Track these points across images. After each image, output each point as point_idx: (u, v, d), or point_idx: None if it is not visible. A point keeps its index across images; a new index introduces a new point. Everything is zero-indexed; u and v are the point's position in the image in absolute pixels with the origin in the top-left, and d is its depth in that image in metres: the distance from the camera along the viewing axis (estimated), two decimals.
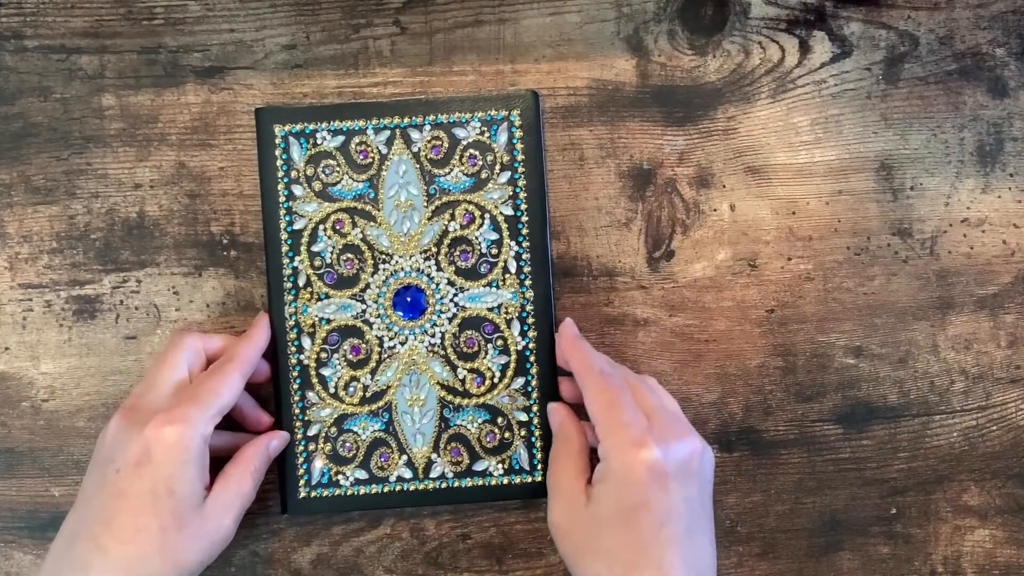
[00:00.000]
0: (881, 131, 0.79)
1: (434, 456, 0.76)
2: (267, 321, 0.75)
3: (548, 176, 0.78)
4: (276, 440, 0.74)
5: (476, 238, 0.76)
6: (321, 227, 0.76)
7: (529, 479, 0.76)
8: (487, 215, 0.76)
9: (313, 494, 0.75)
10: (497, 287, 0.76)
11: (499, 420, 0.76)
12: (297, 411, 0.75)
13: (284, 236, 0.76)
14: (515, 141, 0.76)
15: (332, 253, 0.76)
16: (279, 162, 0.76)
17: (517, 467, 0.76)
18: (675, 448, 0.66)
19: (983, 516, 0.79)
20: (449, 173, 0.76)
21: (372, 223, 0.76)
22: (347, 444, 0.76)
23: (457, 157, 0.76)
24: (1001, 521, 0.79)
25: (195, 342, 0.71)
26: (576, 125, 0.78)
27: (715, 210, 0.78)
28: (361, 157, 0.76)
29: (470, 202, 0.76)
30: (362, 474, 0.76)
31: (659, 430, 0.66)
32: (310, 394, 0.76)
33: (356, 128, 0.76)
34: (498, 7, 0.78)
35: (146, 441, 0.66)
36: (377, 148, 0.76)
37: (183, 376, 0.70)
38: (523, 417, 0.76)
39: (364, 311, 0.76)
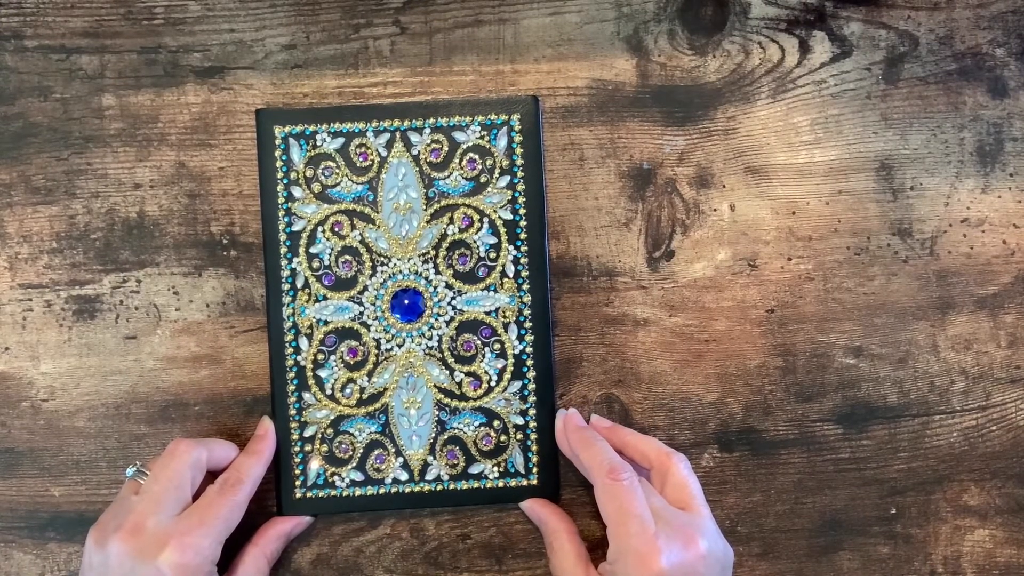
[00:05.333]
0: (881, 131, 0.76)
1: (430, 459, 0.72)
2: (272, 430, 0.72)
3: (547, 178, 0.74)
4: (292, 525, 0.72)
5: (474, 242, 0.72)
6: (320, 229, 0.72)
7: (524, 482, 0.72)
8: (486, 219, 0.72)
9: (309, 495, 0.72)
10: (495, 291, 0.72)
11: (495, 423, 0.72)
12: (293, 412, 0.72)
13: (283, 237, 0.72)
14: (515, 145, 0.73)
15: (330, 255, 0.72)
16: (279, 163, 0.72)
17: (512, 470, 0.72)
18: (679, 556, 0.62)
19: (983, 516, 0.75)
20: (448, 176, 0.72)
21: (371, 225, 0.72)
22: (343, 446, 0.72)
23: (456, 161, 0.73)
24: (1001, 521, 0.75)
25: (198, 454, 0.67)
26: (576, 125, 0.75)
27: (715, 210, 0.75)
28: (361, 159, 0.72)
29: (469, 206, 0.72)
30: (358, 476, 0.72)
31: (666, 537, 0.63)
32: (307, 395, 0.72)
33: (356, 130, 0.73)
34: (498, 7, 0.75)
35: (160, 573, 0.61)
36: (377, 150, 0.72)
37: (187, 494, 0.65)
38: (519, 421, 0.72)
39: (362, 313, 0.72)
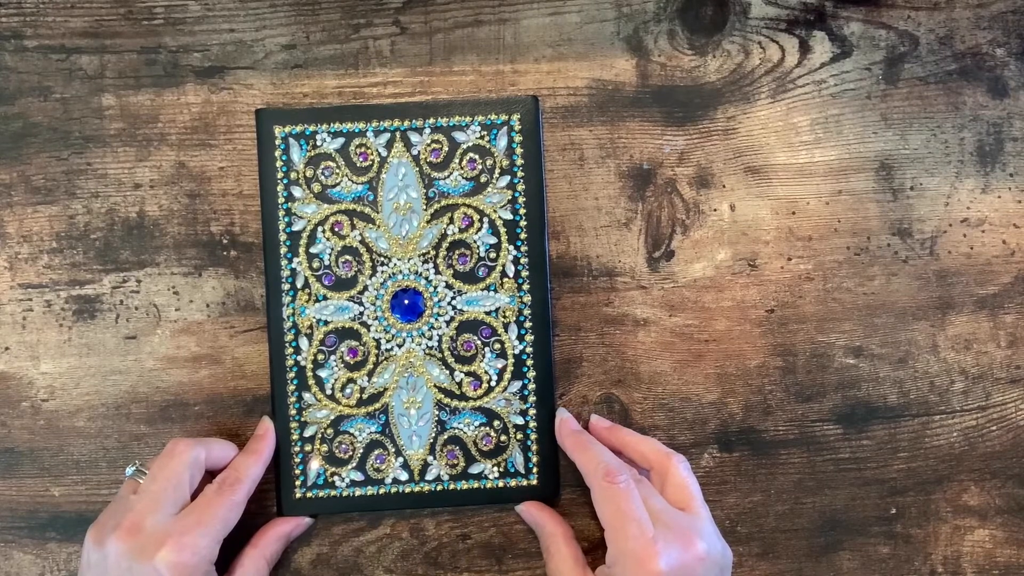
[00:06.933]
0: (881, 131, 0.75)
1: (430, 458, 0.72)
2: (272, 430, 0.71)
3: (547, 178, 0.74)
4: (291, 526, 0.71)
5: (474, 242, 0.72)
6: (320, 229, 0.72)
7: (524, 483, 0.72)
8: (486, 219, 0.72)
9: (309, 495, 0.71)
10: (495, 291, 0.72)
11: (495, 423, 0.72)
12: (293, 412, 0.71)
13: (283, 237, 0.72)
14: (515, 146, 0.72)
15: (331, 255, 0.72)
16: (279, 163, 0.72)
17: (512, 470, 0.72)
18: (678, 558, 0.62)
19: (983, 516, 0.75)
20: (448, 176, 0.72)
21: (371, 225, 0.72)
22: (343, 446, 0.72)
23: (457, 160, 0.72)
24: (1001, 521, 0.75)
25: (196, 453, 0.66)
26: (576, 125, 0.74)
27: (715, 210, 0.74)
28: (361, 159, 0.72)
29: (469, 206, 0.72)
30: (358, 476, 0.72)
31: (664, 540, 0.62)
32: (307, 395, 0.71)
33: (356, 130, 0.72)
34: (498, 7, 0.74)
35: (157, 572, 0.61)
36: (377, 150, 0.72)
37: (185, 493, 0.65)
38: (519, 420, 0.72)
39: (362, 313, 0.72)
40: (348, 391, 0.71)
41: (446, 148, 0.72)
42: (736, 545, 0.73)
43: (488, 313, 0.71)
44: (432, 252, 0.71)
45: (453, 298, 0.71)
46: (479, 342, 0.71)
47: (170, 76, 0.73)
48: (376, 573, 0.72)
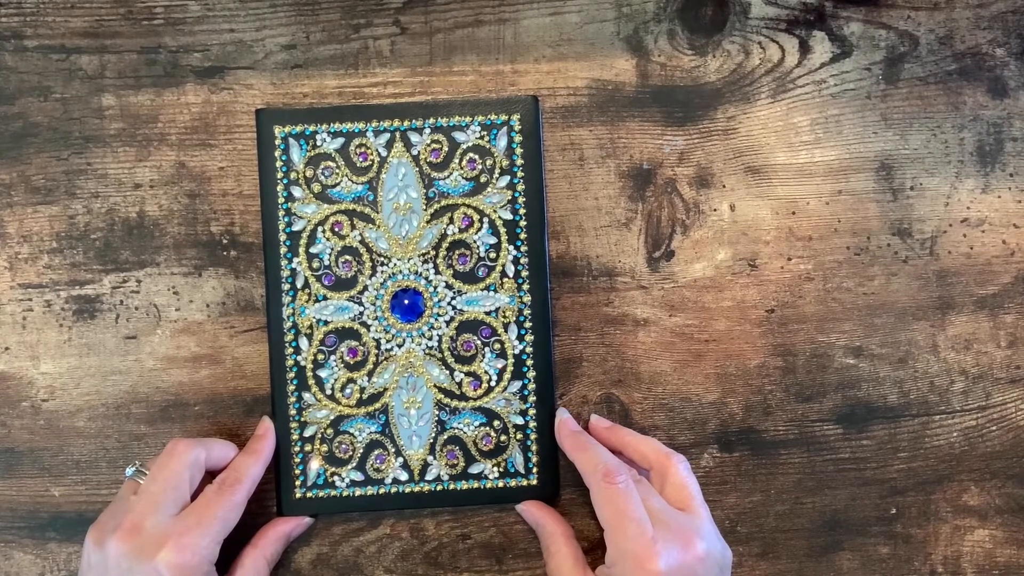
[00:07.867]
0: (881, 131, 0.75)
1: (430, 458, 0.72)
2: (272, 430, 0.71)
3: (547, 178, 0.74)
4: (292, 526, 0.72)
5: (474, 242, 0.72)
6: (320, 229, 0.72)
7: (524, 483, 0.72)
8: (486, 219, 0.72)
9: (309, 495, 0.71)
10: (495, 291, 0.72)
11: (495, 423, 0.72)
12: (293, 412, 0.71)
13: (283, 237, 0.72)
14: (515, 146, 0.72)
15: (330, 255, 0.72)
16: (279, 163, 0.72)
17: (512, 470, 0.72)
18: (677, 558, 0.62)
19: (983, 516, 0.75)
20: (448, 176, 0.72)
21: (371, 225, 0.72)
22: (343, 446, 0.72)
23: (456, 161, 0.72)
24: (1001, 521, 0.75)
25: (196, 454, 0.66)
26: (576, 125, 0.74)
27: (715, 210, 0.74)
28: (361, 159, 0.72)
29: (469, 206, 0.72)
30: (358, 476, 0.72)
31: (663, 540, 0.63)
32: (307, 395, 0.71)
33: (356, 130, 0.72)
34: (498, 7, 0.74)
35: (157, 573, 0.61)
36: (377, 150, 0.72)
37: (185, 494, 0.65)
38: (519, 421, 0.72)
39: (362, 313, 0.72)
40: (348, 391, 0.71)
41: (446, 148, 0.72)
42: (736, 545, 0.73)
43: (488, 313, 0.71)
44: (432, 252, 0.71)
45: (453, 298, 0.71)
46: (479, 342, 0.71)
47: (170, 76, 0.73)
48: (376, 573, 0.72)
